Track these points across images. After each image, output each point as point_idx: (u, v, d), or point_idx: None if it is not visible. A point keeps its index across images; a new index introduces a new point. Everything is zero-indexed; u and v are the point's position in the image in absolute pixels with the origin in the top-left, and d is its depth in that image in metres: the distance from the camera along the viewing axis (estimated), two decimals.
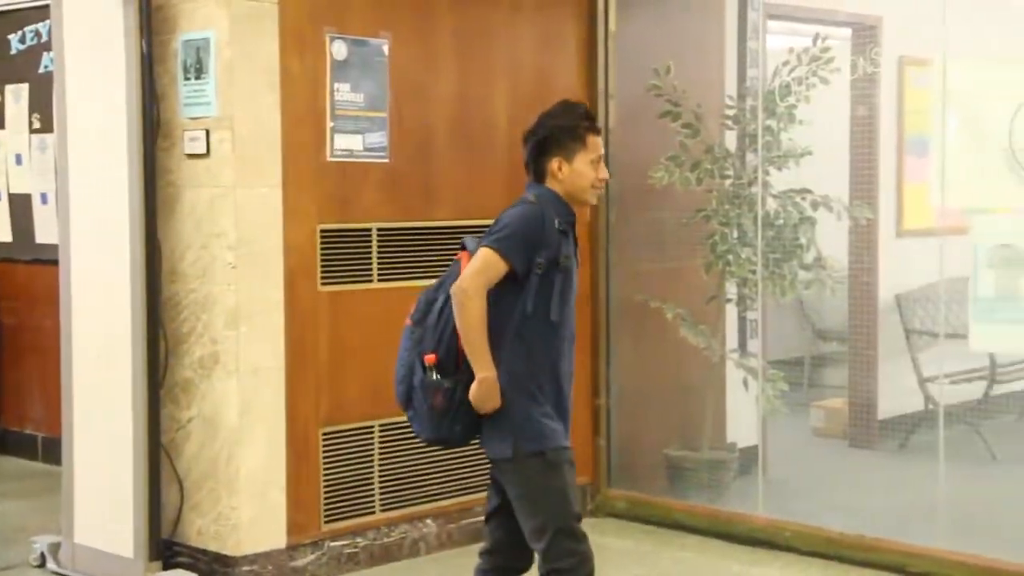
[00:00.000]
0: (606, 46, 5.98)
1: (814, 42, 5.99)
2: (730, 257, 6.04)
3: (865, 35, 7.09)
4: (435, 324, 3.63)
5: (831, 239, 6.66)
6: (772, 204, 6.08)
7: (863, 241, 7.38)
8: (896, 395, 7.35)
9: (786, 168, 6.10)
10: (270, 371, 4.91)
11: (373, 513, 5.26)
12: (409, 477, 5.37)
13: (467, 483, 5.55)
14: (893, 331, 7.32)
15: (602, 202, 6.02)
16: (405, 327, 3.71)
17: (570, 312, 3.66)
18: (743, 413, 6.41)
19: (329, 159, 5.09)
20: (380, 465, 5.28)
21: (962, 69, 5.02)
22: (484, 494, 5.57)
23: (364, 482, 5.23)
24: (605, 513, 6.01)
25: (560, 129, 3.66)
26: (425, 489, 5.42)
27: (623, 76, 6.04)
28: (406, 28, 5.32)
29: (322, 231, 5.08)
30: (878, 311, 7.44)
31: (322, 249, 5.08)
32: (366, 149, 5.21)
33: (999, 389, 7.26)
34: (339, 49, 5.09)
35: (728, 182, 6.15)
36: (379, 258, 5.27)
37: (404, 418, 5.31)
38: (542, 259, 3.55)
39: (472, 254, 3.60)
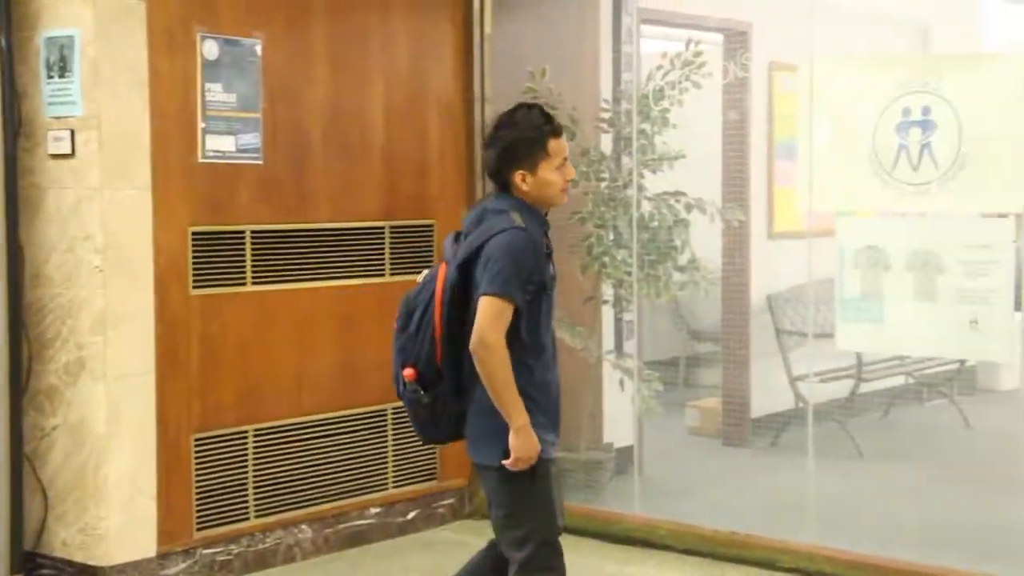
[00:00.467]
0: (482, 49, 5.98)
1: (687, 47, 6.09)
2: (606, 259, 6.09)
3: (736, 40, 7.24)
4: (414, 336, 3.58)
5: (704, 241, 6.77)
6: (647, 206, 6.15)
7: (735, 243, 7.52)
8: (768, 394, 7.51)
9: (660, 171, 6.18)
10: (139, 377, 4.80)
11: (247, 519, 5.18)
12: (284, 482, 5.30)
13: (343, 487, 5.51)
14: (765, 331, 7.48)
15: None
16: (394, 329, 3.68)
17: (552, 323, 3.67)
18: (619, 413, 6.47)
19: (201, 160, 5.00)
20: (254, 470, 5.20)
21: (828, 75, 5.13)
22: (361, 498, 5.61)
23: (238, 488, 5.15)
24: (483, 515, 5.97)
25: (520, 141, 3.55)
26: (301, 494, 5.36)
27: (499, 79, 6.05)
28: (279, 28, 5.25)
29: (194, 233, 4.98)
30: (750, 312, 7.59)
31: (194, 252, 4.98)
32: (239, 150, 5.12)
33: (865, 387, 7.47)
34: (210, 49, 5.00)
35: (604, 185, 6.21)
36: (253, 261, 5.19)
37: (280, 422, 5.35)
38: (533, 285, 3.51)
39: (451, 268, 3.54)
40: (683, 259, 6.26)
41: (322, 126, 5.42)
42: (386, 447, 5.67)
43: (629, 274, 6.05)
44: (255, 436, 5.20)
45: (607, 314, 6.51)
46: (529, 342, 3.52)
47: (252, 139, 5.16)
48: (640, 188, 6.09)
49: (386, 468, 5.68)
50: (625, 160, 6.19)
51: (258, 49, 5.16)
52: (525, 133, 3.55)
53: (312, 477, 5.40)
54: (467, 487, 5.99)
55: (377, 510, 5.65)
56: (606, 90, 6.56)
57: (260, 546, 5.23)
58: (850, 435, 7.15)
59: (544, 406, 3.58)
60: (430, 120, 5.84)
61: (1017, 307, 4.78)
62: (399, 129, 5.70)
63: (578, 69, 6.52)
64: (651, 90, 6.09)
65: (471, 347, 3.44)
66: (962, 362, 7.92)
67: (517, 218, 3.51)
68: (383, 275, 5.65)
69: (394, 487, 5.71)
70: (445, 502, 5.93)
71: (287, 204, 5.30)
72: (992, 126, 4.69)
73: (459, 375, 3.57)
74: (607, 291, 6.34)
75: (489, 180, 3.70)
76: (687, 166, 6.28)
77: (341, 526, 5.51)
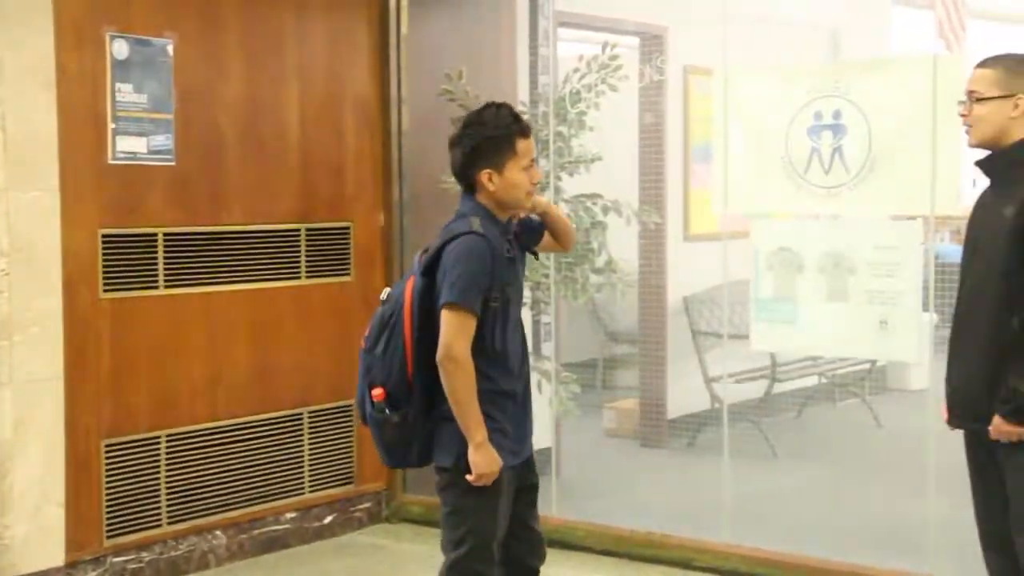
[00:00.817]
0: (398, 50, 5.96)
1: (603, 50, 6.11)
2: None
3: (652, 44, 7.30)
4: (383, 355, 3.50)
5: (621, 243, 6.80)
6: (564, 209, 6.16)
7: (652, 245, 7.58)
8: (684, 395, 7.58)
9: (577, 173, 6.20)
10: (48, 382, 4.71)
11: (160, 526, 5.10)
12: (198, 488, 5.23)
13: (259, 492, 5.45)
14: (681, 332, 7.54)
15: (395, 208, 6.02)
16: (360, 349, 3.60)
17: (521, 329, 3.62)
18: (537, 415, 6.37)
19: (111, 162, 4.91)
20: (167, 476, 5.12)
21: (742, 79, 5.18)
22: (276, 503, 5.55)
23: (150, 494, 5.07)
24: (401, 519, 5.98)
25: (488, 140, 3.47)
26: (215, 500, 5.29)
27: (416, 80, 6.03)
28: (192, 28, 5.18)
29: (104, 236, 4.89)
30: (667, 313, 7.65)
31: (104, 255, 4.90)
32: (151, 152, 5.04)
33: (779, 387, 7.57)
34: (120, 48, 4.91)
35: None
36: (166, 264, 5.11)
37: (194, 427, 5.27)
38: (496, 292, 3.46)
39: (417, 276, 3.49)
40: (600, 261, 6.28)
41: (236, 127, 5.35)
42: (302, 451, 5.62)
43: (546, 276, 6.06)
44: (168, 441, 5.12)
45: (524, 316, 6.50)
46: (491, 351, 3.49)
47: (164, 140, 5.09)
48: (557, 190, 6.11)
49: (302, 472, 5.63)
50: (542, 163, 6.19)
51: (170, 49, 5.09)
52: (493, 132, 3.48)
53: (227, 482, 5.33)
54: (385, 491, 5.96)
55: (293, 515, 5.60)
56: (523, 92, 6.56)
57: (173, 553, 5.15)
58: (764, 435, 7.23)
59: (505, 415, 3.54)
60: (347, 121, 5.80)
61: (925, 308, 4.87)
62: (315, 130, 5.66)
63: (495, 71, 6.52)
64: (568, 93, 6.10)
65: (437, 359, 3.40)
66: (873, 362, 8.08)
67: (476, 223, 3.47)
68: (299, 278, 5.60)
69: (310, 491, 5.66)
70: (362, 506, 5.89)
71: (200, 206, 5.23)
72: (900, 130, 4.77)
73: (430, 390, 3.49)
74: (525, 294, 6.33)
75: (455, 180, 3.63)
76: (604, 169, 6.31)
77: (256, 532, 5.44)
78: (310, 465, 5.65)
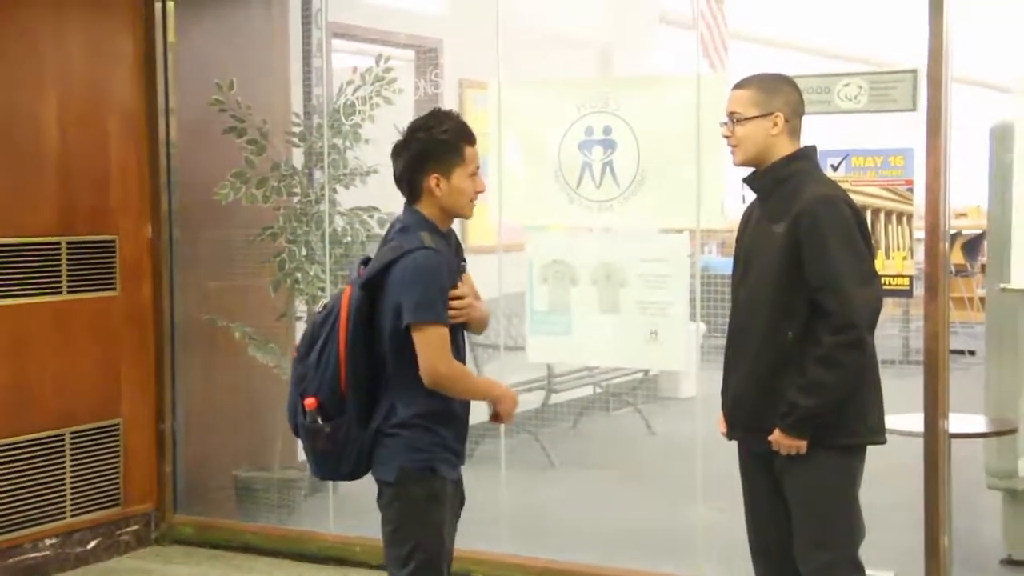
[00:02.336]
0: (165, 59, 5.79)
1: (377, 63, 6.08)
2: (298, 275, 6.00)
3: (426, 58, 7.30)
4: (316, 365, 3.41)
5: None
6: (340, 222, 6.11)
7: None
8: None
9: (353, 186, 6.15)
10: None
11: None
12: None
13: (16, 518, 5.20)
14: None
15: (164, 220, 5.84)
16: (293, 359, 3.48)
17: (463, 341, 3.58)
18: None
19: None
20: None
21: (516, 93, 5.25)
22: (35, 528, 5.27)
23: None
24: (171, 540, 5.79)
25: (436, 143, 3.44)
26: None
27: (185, 90, 5.87)
28: None
29: None
30: None
31: None
32: None
33: (556, 398, 7.68)
34: None
35: (295, 200, 6.12)
36: None
37: None
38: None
39: (356, 287, 3.40)
40: None
41: None
42: (64, 473, 5.37)
43: (322, 290, 5.97)
44: None
45: (300, 331, 6.39)
46: None
47: None
48: (332, 203, 6.04)
49: (64, 496, 5.38)
50: (317, 175, 6.12)
51: None
52: (442, 136, 3.45)
53: None
54: (154, 512, 5.76)
55: (53, 540, 5.34)
56: (297, 104, 6.46)
57: None
58: (542, 445, 7.32)
59: (449, 430, 3.50)
60: (110, 130, 5.59)
61: (693, 318, 5.03)
62: (76, 140, 5.43)
63: (267, 82, 6.40)
64: (342, 105, 6.05)
65: (428, 385, 3.37)
66: (645, 371, 8.28)
67: (427, 238, 3.42)
68: (60, 293, 5.36)
69: (72, 515, 5.41)
70: (130, 529, 5.68)
71: None
72: (667, 145, 4.91)
73: (364, 402, 3.44)
74: (300, 307, 6.24)
75: (397, 187, 3.56)
76: (380, 181, 6.26)
77: (12, 560, 5.17)
78: (72, 488, 5.41)
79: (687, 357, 5.11)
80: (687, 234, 5.07)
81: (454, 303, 3.45)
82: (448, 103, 7.44)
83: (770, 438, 3.53)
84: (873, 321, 3.50)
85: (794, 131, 3.63)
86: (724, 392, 3.74)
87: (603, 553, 5.27)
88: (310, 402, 3.43)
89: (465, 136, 3.51)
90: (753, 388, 3.60)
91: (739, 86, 3.66)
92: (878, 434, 3.61)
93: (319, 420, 3.43)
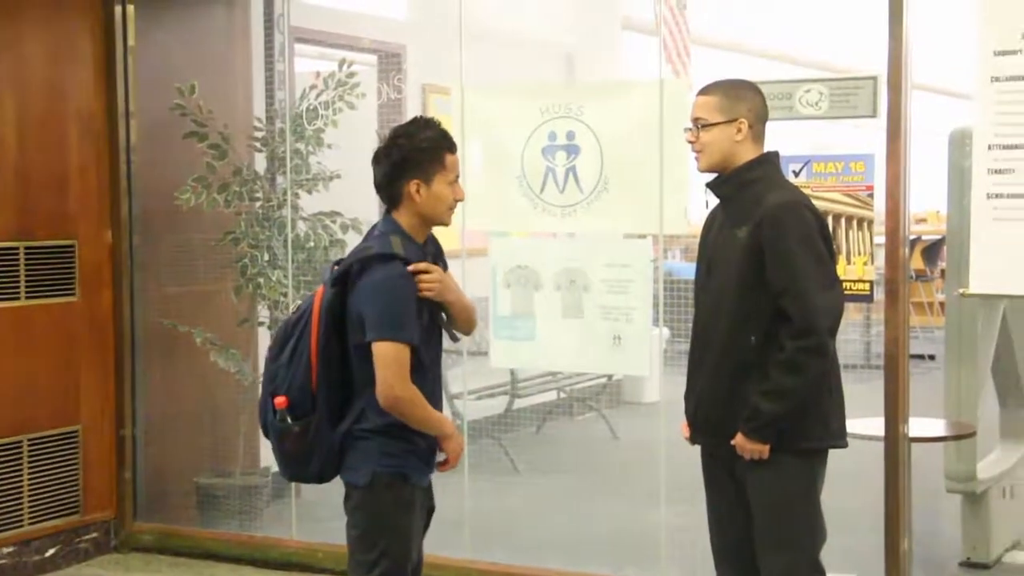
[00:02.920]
0: (126, 62, 5.74)
1: (340, 67, 6.06)
2: (261, 280, 5.96)
3: (389, 62, 7.30)
4: (288, 364, 3.40)
5: None
6: (302, 227, 6.08)
7: None
8: None
9: (316, 191, 6.12)
10: None
11: None
12: None
13: None
14: None
15: (124, 225, 5.79)
16: (265, 360, 3.48)
17: (439, 350, 3.57)
18: None
19: None
20: None
21: (479, 98, 5.24)
22: None
23: None
24: (131, 548, 5.75)
25: (418, 150, 3.44)
26: None
27: (145, 94, 5.83)
28: None
29: None
30: None
31: None
32: None
33: (519, 403, 7.67)
34: None
35: (258, 204, 6.08)
36: None
37: None
38: (421, 320, 3.41)
39: (327, 287, 3.39)
40: None
41: None
42: (22, 481, 5.31)
43: (285, 295, 5.94)
44: None
45: (263, 336, 6.36)
46: (412, 375, 3.41)
47: None
48: (295, 208, 6.01)
49: (22, 503, 5.32)
50: (279, 180, 6.09)
51: None
52: (423, 143, 3.46)
53: None
54: (114, 520, 5.71)
55: (10, 549, 5.28)
56: (259, 108, 6.43)
57: None
58: (506, 451, 7.31)
59: (420, 438, 3.48)
60: (70, 134, 5.54)
61: (656, 323, 5.04)
62: (34, 144, 5.38)
63: (230, 86, 6.36)
64: (305, 109, 6.02)
65: (383, 405, 3.35)
66: (609, 376, 8.29)
67: (396, 242, 3.41)
68: (18, 298, 5.31)
69: (30, 523, 5.35)
70: (89, 536, 5.62)
71: None
72: (630, 151, 4.92)
73: (335, 401, 3.43)
74: (263, 313, 6.20)
75: (377, 194, 3.54)
76: (343, 186, 6.25)
77: None
78: (30, 495, 5.35)
79: (651, 362, 5.12)
80: (650, 239, 5.08)
81: (424, 276, 3.43)
82: (411, 108, 7.43)
83: (733, 442, 3.55)
84: (834, 326, 3.52)
85: (758, 137, 3.65)
86: (687, 396, 3.75)
87: (567, 558, 5.27)
88: (280, 400, 3.42)
89: (447, 144, 3.52)
90: (716, 392, 3.61)
91: (704, 92, 3.67)
92: (840, 438, 3.63)
93: (288, 419, 3.42)
